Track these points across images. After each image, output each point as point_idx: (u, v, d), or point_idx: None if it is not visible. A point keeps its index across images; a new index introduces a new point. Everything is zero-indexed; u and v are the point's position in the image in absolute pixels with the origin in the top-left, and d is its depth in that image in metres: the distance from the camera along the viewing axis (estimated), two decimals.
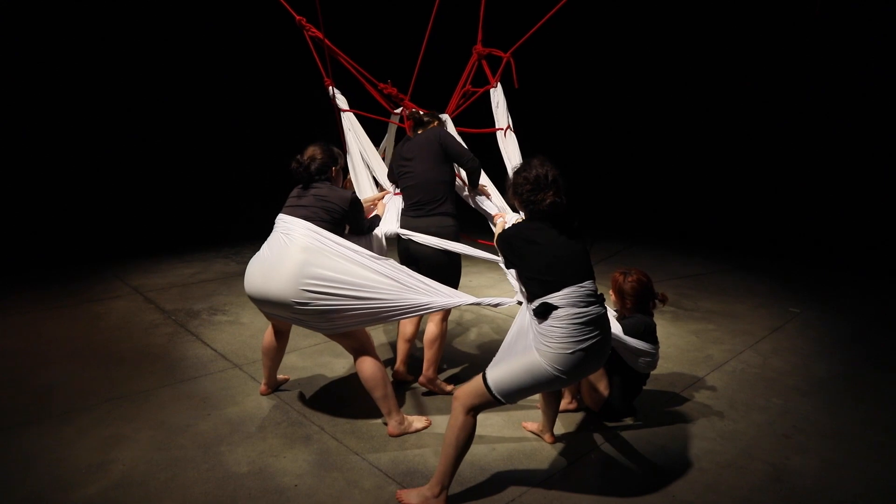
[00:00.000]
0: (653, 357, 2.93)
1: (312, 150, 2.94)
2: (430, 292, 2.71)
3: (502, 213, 3.04)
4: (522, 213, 2.38)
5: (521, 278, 2.30)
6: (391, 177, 3.50)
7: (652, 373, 3.22)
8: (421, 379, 3.31)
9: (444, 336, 3.26)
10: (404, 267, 2.77)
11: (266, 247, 2.76)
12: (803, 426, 3.02)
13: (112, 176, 7.81)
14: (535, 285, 2.23)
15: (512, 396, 2.24)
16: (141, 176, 8.07)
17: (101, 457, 2.62)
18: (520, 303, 2.72)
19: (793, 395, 3.37)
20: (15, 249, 6.20)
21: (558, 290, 2.18)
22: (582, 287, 2.20)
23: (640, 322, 2.90)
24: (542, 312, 2.18)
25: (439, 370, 3.57)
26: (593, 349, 2.19)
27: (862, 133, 7.76)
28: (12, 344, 3.88)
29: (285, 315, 2.74)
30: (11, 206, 6.84)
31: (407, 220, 3.20)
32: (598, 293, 2.29)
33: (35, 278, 5.40)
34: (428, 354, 3.26)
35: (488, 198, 3.43)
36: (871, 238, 7.13)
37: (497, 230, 2.78)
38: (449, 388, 3.34)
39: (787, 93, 8.31)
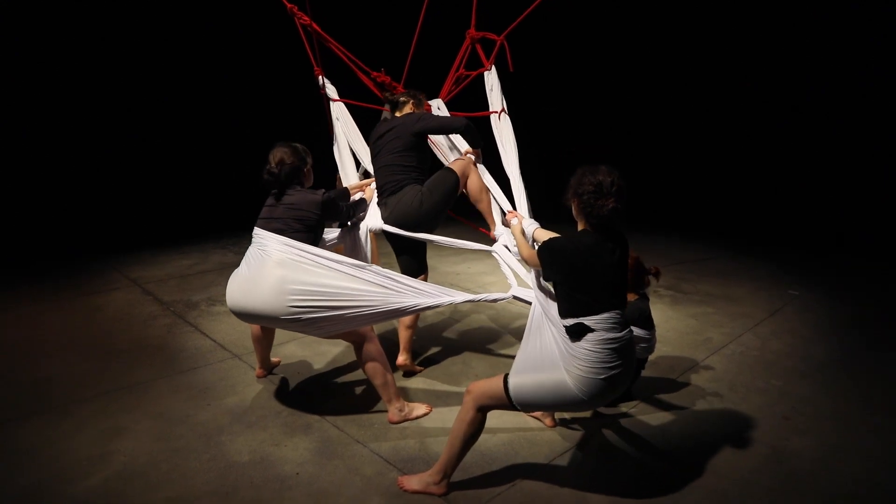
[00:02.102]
0: (649, 342, 2.95)
1: (280, 154, 2.84)
2: (416, 294, 2.66)
3: (515, 213, 2.93)
4: (578, 217, 2.22)
5: (559, 291, 2.20)
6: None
7: (651, 357, 3.22)
8: (400, 361, 3.31)
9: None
10: (388, 271, 2.71)
11: (244, 263, 2.72)
12: (802, 408, 3.03)
13: (109, 169, 7.80)
14: (574, 303, 2.12)
15: (529, 407, 2.22)
16: (137, 168, 8.05)
17: (102, 448, 2.62)
18: (517, 297, 2.68)
19: (792, 377, 3.38)
20: (13, 243, 6.18)
21: (597, 314, 2.09)
22: (619, 313, 2.13)
23: (634, 309, 2.90)
24: (577, 333, 2.10)
25: (442, 359, 3.58)
26: (621, 376, 2.13)
27: (862, 118, 7.74)
28: (12, 337, 3.87)
29: (275, 326, 2.73)
30: (10, 200, 6.84)
31: (377, 204, 3.23)
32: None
33: (33, 271, 5.39)
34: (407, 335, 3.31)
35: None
36: (870, 222, 7.12)
37: (514, 231, 2.69)
38: (419, 369, 3.41)
39: (789, 78, 8.27)
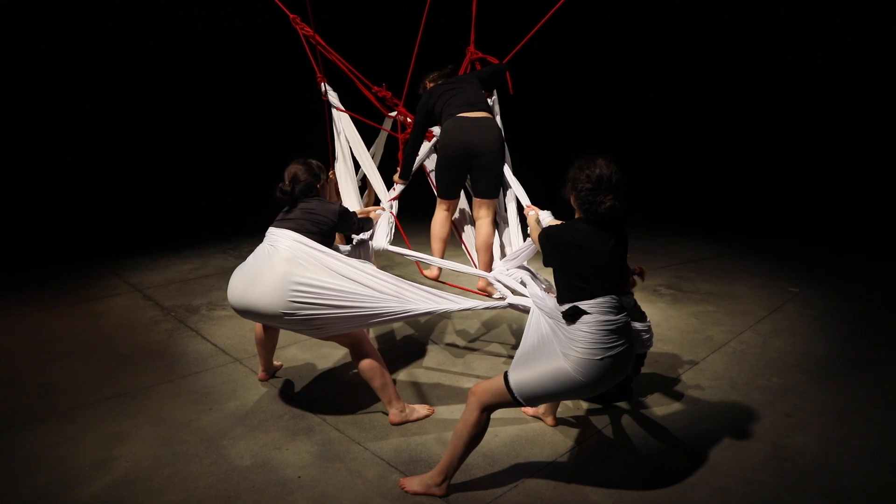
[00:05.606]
0: (648, 332, 2.91)
1: (294, 170, 2.88)
2: (417, 299, 2.66)
3: (533, 207, 2.93)
4: (576, 210, 2.26)
5: (557, 278, 2.24)
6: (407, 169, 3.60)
7: (651, 354, 3.22)
8: (479, 284, 3.33)
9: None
10: (391, 275, 2.72)
11: (251, 256, 2.75)
12: (804, 405, 3.03)
13: (108, 174, 7.82)
14: (571, 289, 2.16)
15: (533, 400, 2.22)
16: (136, 174, 8.07)
17: (105, 454, 2.62)
18: (512, 306, 2.67)
19: (793, 374, 3.38)
20: (13, 249, 6.18)
21: (592, 298, 2.12)
22: (615, 298, 2.16)
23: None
24: (572, 316, 2.14)
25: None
26: (620, 357, 2.14)
27: (861, 114, 7.75)
28: (13, 343, 3.88)
29: (272, 323, 2.76)
30: (10, 205, 6.85)
31: (463, 117, 3.27)
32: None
33: (33, 278, 5.39)
34: (484, 258, 3.36)
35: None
36: (869, 218, 7.12)
37: (530, 223, 2.72)
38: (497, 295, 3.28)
39: (787, 74, 8.28)
